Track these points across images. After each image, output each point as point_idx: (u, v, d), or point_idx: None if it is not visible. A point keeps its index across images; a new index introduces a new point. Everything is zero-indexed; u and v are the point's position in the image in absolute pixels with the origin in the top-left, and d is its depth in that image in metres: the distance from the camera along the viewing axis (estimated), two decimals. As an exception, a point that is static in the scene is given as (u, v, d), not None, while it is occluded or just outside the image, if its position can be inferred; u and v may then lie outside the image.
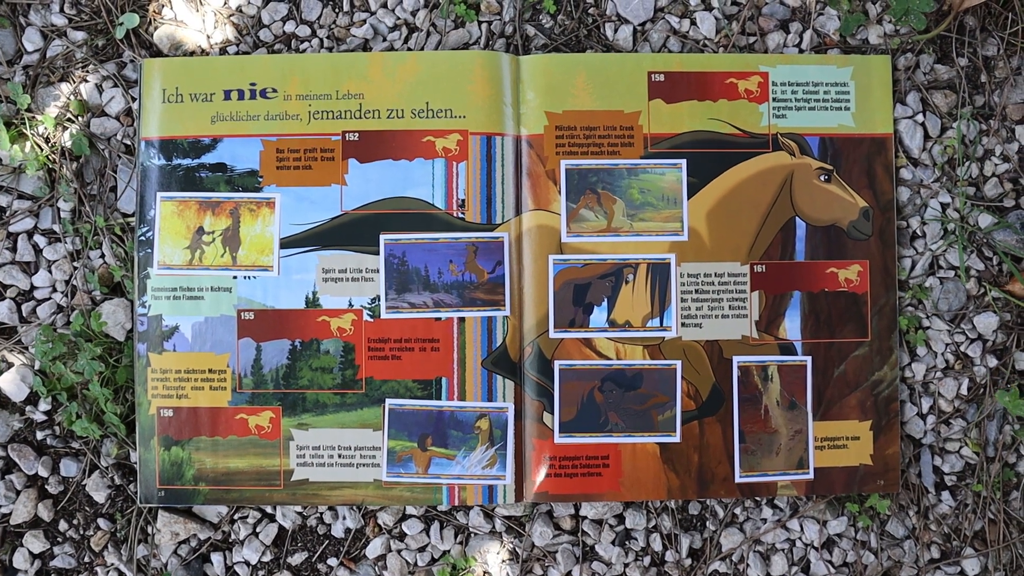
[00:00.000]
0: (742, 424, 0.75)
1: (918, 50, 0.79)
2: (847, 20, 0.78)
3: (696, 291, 0.75)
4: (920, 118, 0.78)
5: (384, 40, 0.78)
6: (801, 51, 0.79)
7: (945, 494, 0.78)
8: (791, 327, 0.76)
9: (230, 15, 0.79)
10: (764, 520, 0.78)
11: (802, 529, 0.78)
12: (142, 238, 0.75)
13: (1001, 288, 0.78)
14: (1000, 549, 0.78)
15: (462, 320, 0.75)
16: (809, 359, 0.75)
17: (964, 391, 0.78)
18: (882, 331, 0.76)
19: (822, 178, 0.76)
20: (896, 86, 0.78)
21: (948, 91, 0.79)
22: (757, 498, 0.78)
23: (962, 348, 0.78)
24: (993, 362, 0.78)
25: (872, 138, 0.77)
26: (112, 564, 0.77)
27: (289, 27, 0.79)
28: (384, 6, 0.79)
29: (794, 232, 0.76)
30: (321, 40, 0.79)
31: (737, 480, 0.75)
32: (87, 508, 0.78)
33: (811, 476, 0.75)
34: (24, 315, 0.78)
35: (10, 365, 0.78)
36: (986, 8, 0.79)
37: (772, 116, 0.76)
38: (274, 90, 0.76)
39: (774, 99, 0.76)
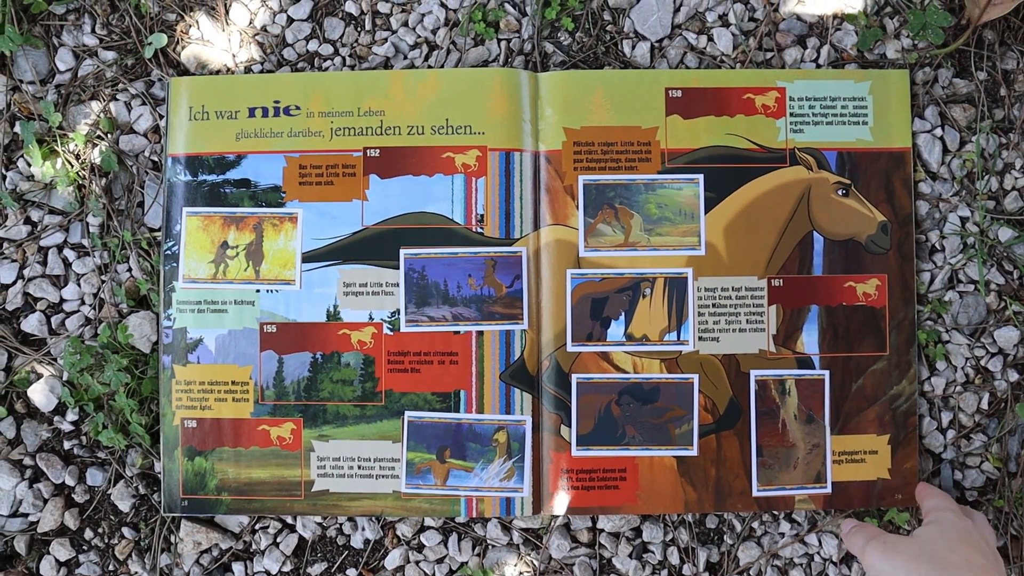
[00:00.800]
0: (759, 438, 0.75)
1: (936, 64, 0.79)
2: (864, 35, 0.78)
3: (713, 305, 0.76)
4: (939, 132, 0.78)
5: (405, 58, 0.80)
6: (819, 66, 0.79)
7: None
8: (809, 341, 0.76)
9: (255, 35, 0.81)
10: (782, 534, 0.78)
11: (820, 544, 0.78)
12: (168, 252, 0.77)
13: (1022, 302, 0.78)
14: (1023, 565, 0.77)
15: (480, 334, 0.75)
16: (827, 373, 0.75)
17: (984, 405, 0.77)
18: (900, 345, 0.76)
19: (840, 192, 0.76)
20: (914, 100, 0.78)
21: (967, 105, 0.79)
22: (774, 512, 0.78)
23: (982, 362, 0.78)
24: (1014, 376, 0.77)
25: (890, 152, 0.77)
26: (136, 572, 0.78)
27: (312, 46, 0.80)
28: (405, 25, 0.80)
29: (811, 246, 0.76)
30: (343, 58, 0.80)
31: (754, 494, 0.75)
32: (112, 517, 0.79)
33: (829, 490, 0.75)
34: (53, 327, 0.80)
35: (39, 376, 0.80)
36: (1005, 22, 0.79)
37: (789, 131, 0.77)
38: (297, 107, 0.77)
39: (791, 114, 0.77)
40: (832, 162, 0.77)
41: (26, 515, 0.79)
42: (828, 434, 0.75)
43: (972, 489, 0.78)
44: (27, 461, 0.79)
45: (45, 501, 0.79)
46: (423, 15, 0.80)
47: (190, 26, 0.80)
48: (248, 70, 0.80)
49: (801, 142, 0.77)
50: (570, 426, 0.75)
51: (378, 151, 0.77)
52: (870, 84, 0.77)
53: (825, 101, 0.77)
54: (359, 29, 0.81)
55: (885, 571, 0.61)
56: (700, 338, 0.76)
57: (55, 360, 0.79)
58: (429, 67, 0.80)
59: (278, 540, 0.79)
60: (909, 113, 0.77)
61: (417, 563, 0.78)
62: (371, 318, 0.76)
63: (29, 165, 0.80)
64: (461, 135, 0.76)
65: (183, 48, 0.80)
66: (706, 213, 0.76)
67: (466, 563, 0.78)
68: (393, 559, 0.78)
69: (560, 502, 0.75)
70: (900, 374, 0.76)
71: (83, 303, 0.80)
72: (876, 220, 0.76)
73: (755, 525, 0.78)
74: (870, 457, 0.75)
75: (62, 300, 0.80)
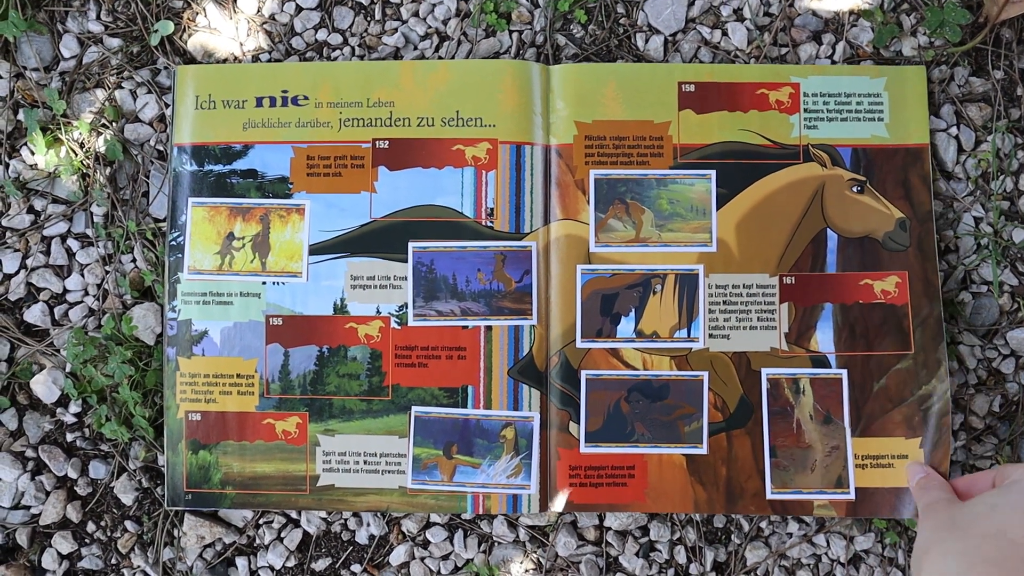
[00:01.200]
0: (772, 438, 0.74)
1: (953, 62, 0.78)
2: (881, 32, 0.77)
3: (724, 302, 0.75)
4: (954, 131, 0.78)
5: (415, 48, 0.79)
6: (834, 63, 0.78)
7: (977, 512, 0.77)
8: (823, 339, 0.75)
9: (263, 23, 0.79)
10: (790, 535, 0.77)
11: (828, 545, 0.77)
12: (173, 243, 0.76)
13: (1036, 303, 0.77)
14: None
15: (489, 329, 0.75)
16: (844, 372, 0.74)
17: (996, 408, 0.77)
18: (927, 343, 0.74)
19: (855, 189, 0.75)
20: (930, 99, 0.77)
21: (983, 104, 0.78)
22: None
23: (994, 364, 0.77)
24: (1027, 378, 0.77)
25: (907, 148, 0.76)
26: (138, 566, 0.77)
27: (321, 35, 0.79)
28: (415, 15, 0.79)
29: (825, 244, 0.75)
30: (353, 48, 0.79)
31: (768, 496, 0.74)
32: (115, 510, 0.78)
33: (852, 496, 0.73)
34: (56, 318, 0.79)
35: (42, 367, 0.79)
36: (1023, 20, 0.78)
37: (803, 127, 0.76)
38: (305, 97, 0.76)
39: (805, 110, 0.76)
40: (847, 159, 0.76)
41: (28, 507, 0.78)
42: (849, 436, 0.74)
43: (983, 491, 0.77)
44: (29, 453, 0.78)
45: (47, 494, 0.78)
46: (434, 5, 0.79)
47: (197, 14, 0.79)
48: (256, 59, 0.79)
49: (815, 138, 0.76)
50: (579, 423, 0.74)
51: (387, 142, 0.76)
52: (886, 80, 0.76)
53: (840, 97, 0.76)
54: (369, 19, 0.80)
55: (920, 537, 0.57)
56: (710, 335, 0.75)
57: (58, 351, 0.79)
58: (440, 58, 0.78)
59: (282, 535, 0.78)
60: (926, 109, 0.76)
61: (422, 559, 0.77)
62: (378, 312, 0.75)
63: (32, 153, 0.79)
64: (472, 127, 0.75)
65: (190, 36, 0.79)
66: (718, 209, 0.75)
67: (472, 560, 0.77)
68: (398, 555, 0.77)
69: (567, 499, 0.74)
70: (929, 373, 0.74)
71: (87, 294, 0.79)
72: (893, 217, 0.75)
73: (763, 525, 0.77)
74: (899, 462, 0.73)
75: (65, 290, 0.79)
